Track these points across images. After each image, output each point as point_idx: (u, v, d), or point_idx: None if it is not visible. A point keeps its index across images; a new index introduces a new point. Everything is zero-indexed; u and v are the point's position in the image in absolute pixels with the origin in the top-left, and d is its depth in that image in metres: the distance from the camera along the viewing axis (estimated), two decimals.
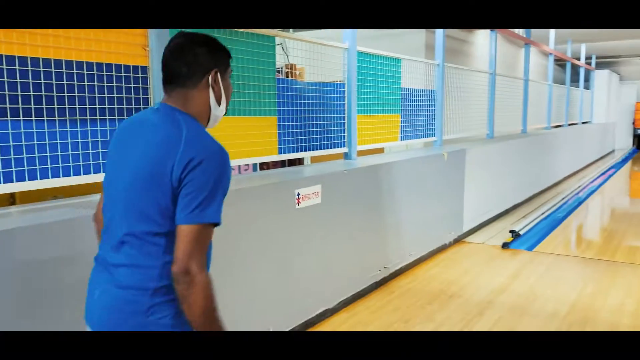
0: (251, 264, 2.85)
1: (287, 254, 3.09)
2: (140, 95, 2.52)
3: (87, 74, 2.30)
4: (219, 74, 1.40)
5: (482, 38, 9.08)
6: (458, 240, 5.41)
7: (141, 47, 2.50)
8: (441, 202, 5.03)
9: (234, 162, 3.11)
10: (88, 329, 1.38)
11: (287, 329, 3.11)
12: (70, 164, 2.28)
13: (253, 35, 3.09)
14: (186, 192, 1.24)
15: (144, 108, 2.53)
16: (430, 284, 4.13)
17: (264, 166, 4.46)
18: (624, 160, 13.80)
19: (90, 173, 2.35)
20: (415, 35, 7.16)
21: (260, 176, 3.32)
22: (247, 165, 4.44)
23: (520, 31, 9.19)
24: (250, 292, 2.85)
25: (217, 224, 1.27)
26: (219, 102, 1.42)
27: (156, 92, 2.55)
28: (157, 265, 1.28)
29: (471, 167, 5.58)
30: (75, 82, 2.26)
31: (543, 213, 6.78)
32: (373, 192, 3.94)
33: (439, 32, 5.44)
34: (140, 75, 2.51)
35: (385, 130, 4.56)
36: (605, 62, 15.86)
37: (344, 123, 3.97)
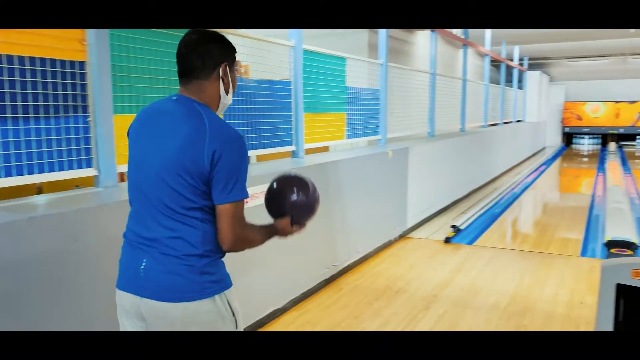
0: None
1: (235, 254, 3.02)
2: (78, 92, 2.39)
3: (18, 68, 2.15)
4: (228, 67, 1.58)
5: (422, 39, 9.31)
6: (403, 236, 5.52)
7: (78, 41, 2.38)
8: (386, 199, 5.11)
9: None
10: (128, 297, 1.52)
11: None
12: (1, 164, 2.13)
13: None
14: (217, 178, 1.44)
15: (82, 105, 2.41)
16: (377, 280, 4.18)
17: None
18: (554, 157, 14.59)
19: (23, 174, 2.21)
20: (359, 35, 7.23)
21: None
22: None
23: (458, 32, 9.50)
24: None
25: (245, 198, 1.50)
26: (227, 92, 1.60)
27: (95, 88, 2.43)
28: (198, 234, 1.48)
29: (414, 164, 5.71)
30: (6, 78, 2.11)
31: (482, 208, 7.05)
32: (321, 190, 3.92)
33: (382, 32, 5.52)
34: (77, 70, 2.38)
35: (331, 128, 4.57)
36: (536, 63, 16.69)
37: (291, 121, 3.95)
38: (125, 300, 1.54)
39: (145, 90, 2.72)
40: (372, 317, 3.48)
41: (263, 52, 3.66)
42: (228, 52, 1.58)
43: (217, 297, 1.51)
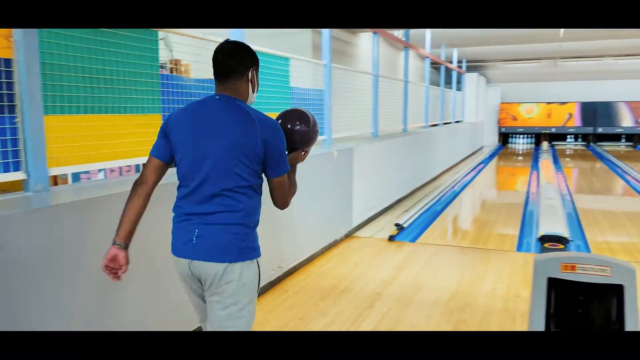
0: (138, 270, 2.69)
1: (159, 258, 2.95)
2: (4, 91, 2.25)
3: None
4: (254, 71, 1.93)
5: (365, 41, 9.45)
6: (348, 236, 5.58)
7: (4, 37, 2.24)
8: (332, 199, 5.14)
9: (114, 164, 2.90)
10: (181, 261, 1.88)
11: None
12: None
13: (134, 29, 2.91)
14: (270, 159, 1.86)
15: (9, 105, 2.27)
16: (323, 280, 4.20)
17: None
18: (491, 156, 15.18)
19: None
20: (303, 35, 7.25)
21: None
22: (129, 166, 4.19)
23: (399, 35, 9.70)
24: (147, 299, 2.68)
25: (289, 170, 1.95)
26: (253, 91, 1.94)
27: (23, 87, 2.30)
28: (246, 208, 1.86)
29: (359, 164, 5.78)
30: None
31: (424, 206, 7.23)
32: (265, 192, 3.91)
33: (325, 32, 5.54)
34: (3, 68, 2.24)
35: None
36: (474, 65, 17.31)
37: None
38: (180, 264, 1.90)
39: (79, 90, 2.60)
40: (318, 317, 3.49)
41: (204, 51, 3.59)
42: (255, 59, 1.94)
43: (249, 262, 1.87)
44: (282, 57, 4.58)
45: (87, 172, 4.39)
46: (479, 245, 5.31)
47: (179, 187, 1.90)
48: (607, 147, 17.55)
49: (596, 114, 17.82)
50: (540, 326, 1.98)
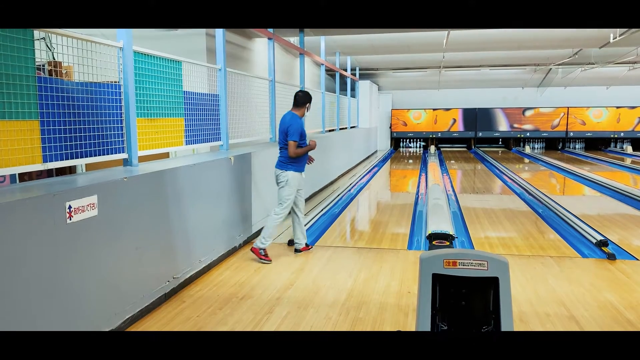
0: (16, 290, 2.46)
1: (59, 274, 2.74)
2: None
3: None
4: (308, 104, 5.07)
5: (261, 45, 9.44)
6: (248, 242, 5.53)
7: None
8: (230, 205, 5.07)
9: None
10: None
11: None
12: None
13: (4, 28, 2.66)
14: (289, 135, 4.84)
15: None
16: (221, 289, 4.12)
17: (25, 177, 3.89)
18: (385, 160, 15.87)
19: None
20: (195, 38, 7.07)
21: (21, 189, 2.88)
22: (3, 176, 3.83)
23: (295, 41, 9.82)
24: (18, 321, 2.45)
25: (296, 142, 4.83)
26: (306, 111, 5.11)
27: None
28: (287, 155, 4.89)
29: (257, 169, 5.76)
30: None
31: (322, 209, 7.37)
32: (158, 199, 3.77)
33: (219, 35, 5.47)
34: None
35: (168, 134, 4.39)
36: (366, 73, 18.01)
37: (122, 127, 3.70)
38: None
39: None
40: (216, 327, 3.41)
41: (88, 53, 3.38)
42: (309, 98, 5.04)
43: (290, 172, 4.95)
44: (174, 61, 4.45)
45: None
46: (374, 245, 5.52)
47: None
48: (487, 149, 19.11)
49: (477, 119, 19.34)
50: (427, 319, 2.10)
